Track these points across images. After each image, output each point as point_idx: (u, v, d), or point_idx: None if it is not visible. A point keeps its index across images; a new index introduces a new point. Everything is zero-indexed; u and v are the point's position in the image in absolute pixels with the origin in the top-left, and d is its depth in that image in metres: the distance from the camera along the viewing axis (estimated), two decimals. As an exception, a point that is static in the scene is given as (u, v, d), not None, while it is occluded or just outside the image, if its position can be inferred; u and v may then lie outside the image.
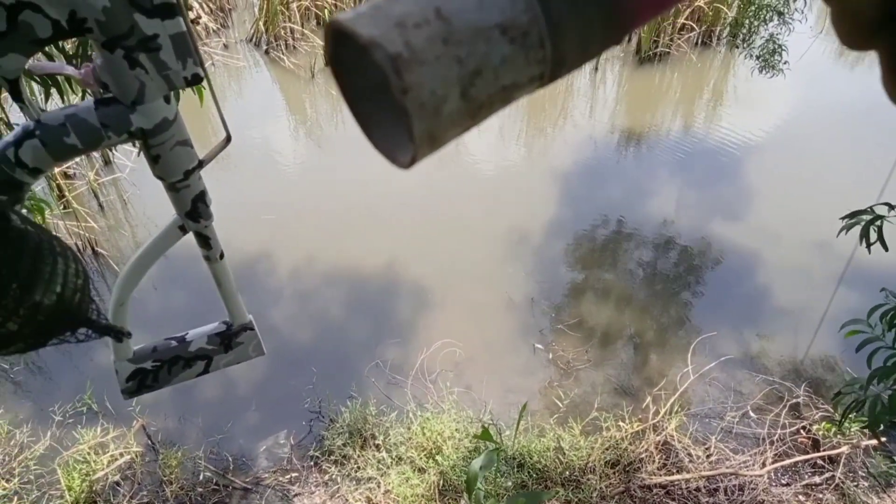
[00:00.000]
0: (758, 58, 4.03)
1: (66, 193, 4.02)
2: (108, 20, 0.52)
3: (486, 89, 0.21)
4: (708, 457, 2.98)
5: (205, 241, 0.76)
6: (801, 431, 3.07)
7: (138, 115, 0.59)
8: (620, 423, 3.11)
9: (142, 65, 0.56)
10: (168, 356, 0.84)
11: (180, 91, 0.68)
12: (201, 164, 0.68)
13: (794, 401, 3.20)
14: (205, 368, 0.87)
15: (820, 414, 3.14)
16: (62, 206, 4.04)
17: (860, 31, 0.21)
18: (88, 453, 3.04)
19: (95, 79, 0.58)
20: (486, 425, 2.68)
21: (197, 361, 0.86)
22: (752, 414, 3.21)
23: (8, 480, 2.92)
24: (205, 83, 0.63)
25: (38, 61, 0.54)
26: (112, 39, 0.54)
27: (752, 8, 4.04)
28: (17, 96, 0.54)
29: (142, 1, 0.53)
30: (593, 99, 6.57)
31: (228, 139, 0.71)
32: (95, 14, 0.52)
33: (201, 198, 0.71)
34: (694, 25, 7.04)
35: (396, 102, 0.20)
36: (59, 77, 1.49)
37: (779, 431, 3.05)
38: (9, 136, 0.56)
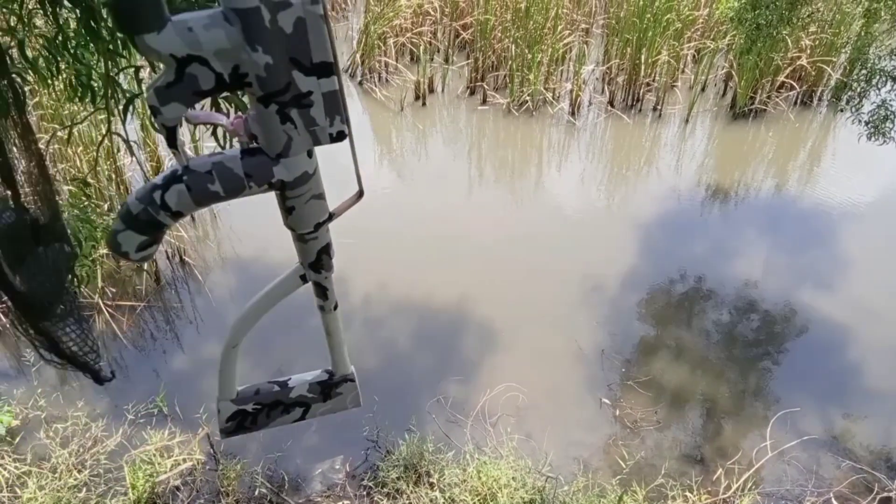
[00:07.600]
0: (867, 123, 3.86)
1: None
2: (269, 76, 0.54)
3: None
4: (782, 543, 2.78)
5: (322, 291, 0.76)
6: (891, 530, 2.82)
7: (281, 168, 0.60)
8: (688, 494, 2.95)
9: (292, 120, 0.57)
10: (269, 400, 0.84)
11: None
12: (331, 216, 0.68)
13: (886, 495, 2.94)
14: (302, 415, 0.87)
15: (914, 513, 2.87)
16: (158, 214, 4.27)
17: None
18: (154, 454, 3.14)
19: (246, 130, 0.59)
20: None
21: (296, 408, 0.86)
22: (834, 502, 2.97)
23: (79, 471, 3.05)
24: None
25: (191, 110, 0.56)
26: (269, 94, 0.55)
27: (864, 72, 3.87)
28: (173, 143, 0.56)
29: (302, 59, 0.54)
30: (681, 151, 6.42)
31: (361, 194, 0.71)
32: (257, 70, 0.54)
33: (326, 250, 0.71)
34: (794, 84, 6.79)
35: None
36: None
37: (865, 526, 2.81)
38: (157, 179, 0.58)
